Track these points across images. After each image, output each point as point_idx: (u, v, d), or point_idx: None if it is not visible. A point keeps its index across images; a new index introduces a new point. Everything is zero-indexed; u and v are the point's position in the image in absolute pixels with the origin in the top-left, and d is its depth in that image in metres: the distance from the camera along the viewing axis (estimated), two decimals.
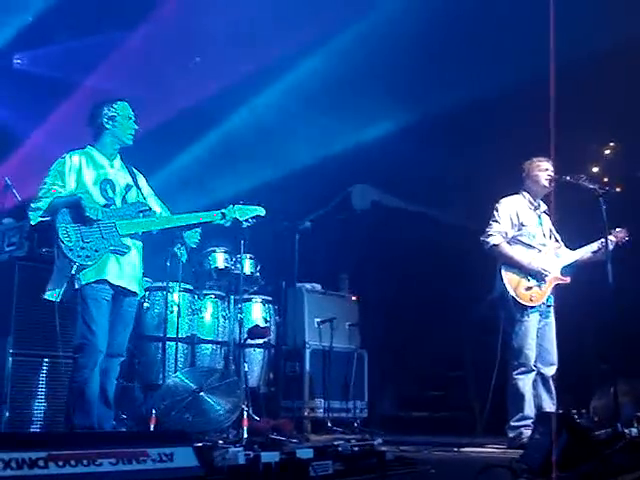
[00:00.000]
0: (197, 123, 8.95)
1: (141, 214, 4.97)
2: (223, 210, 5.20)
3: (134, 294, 5.00)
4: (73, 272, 4.62)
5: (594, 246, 6.10)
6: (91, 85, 8.51)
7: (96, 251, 4.69)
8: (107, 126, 5.05)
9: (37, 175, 5.03)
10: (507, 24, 7.16)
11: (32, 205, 4.75)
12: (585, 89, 7.31)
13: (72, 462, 2.85)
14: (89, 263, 4.66)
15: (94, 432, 4.36)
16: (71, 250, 4.61)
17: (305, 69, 8.45)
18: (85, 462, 2.89)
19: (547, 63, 7.14)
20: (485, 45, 7.42)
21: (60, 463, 2.83)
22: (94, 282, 4.70)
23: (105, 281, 4.75)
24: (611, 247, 5.77)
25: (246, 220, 5.34)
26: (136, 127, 5.15)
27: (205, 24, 8.15)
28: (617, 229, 5.99)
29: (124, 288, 4.87)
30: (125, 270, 4.87)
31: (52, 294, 4.68)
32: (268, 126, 8.89)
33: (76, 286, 4.66)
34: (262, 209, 5.42)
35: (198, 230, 5.26)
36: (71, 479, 2.83)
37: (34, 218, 4.73)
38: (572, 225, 6.53)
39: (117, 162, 5.14)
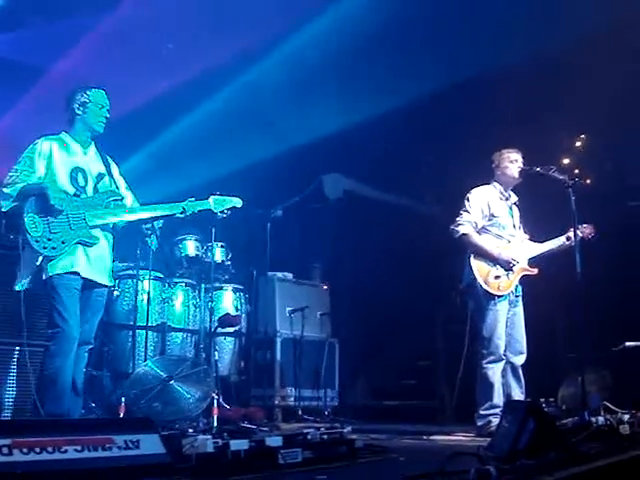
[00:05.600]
0: (170, 109, 8.89)
1: (112, 203, 4.93)
2: (183, 204, 5.12)
3: (103, 285, 4.96)
4: (38, 263, 4.58)
5: (561, 239, 6.15)
6: (62, 70, 8.42)
7: (63, 242, 4.63)
8: (78, 112, 5.02)
9: (5, 161, 4.97)
10: (479, 14, 7.18)
11: (3, 191, 4.68)
12: (556, 81, 7.37)
13: (37, 449, 2.84)
14: (55, 254, 4.61)
15: (59, 419, 4.32)
16: (37, 241, 4.54)
17: (278, 58, 8.42)
18: (50, 449, 2.87)
19: (519, 54, 7.19)
20: (457, 35, 7.44)
21: (24, 450, 2.81)
22: (63, 274, 4.66)
23: (74, 272, 4.70)
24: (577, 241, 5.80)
25: (222, 212, 5.29)
26: (107, 116, 5.09)
27: (179, 9, 8.09)
28: (584, 225, 6.02)
29: (93, 280, 4.83)
30: (93, 262, 4.83)
31: (19, 284, 4.62)
32: (241, 114, 8.84)
33: (44, 277, 4.63)
34: (239, 200, 5.36)
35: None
36: (36, 466, 2.81)
37: (5, 205, 4.66)
38: (541, 215, 6.58)
39: (91, 149, 5.10)
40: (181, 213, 5.10)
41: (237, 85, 8.82)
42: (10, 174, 4.74)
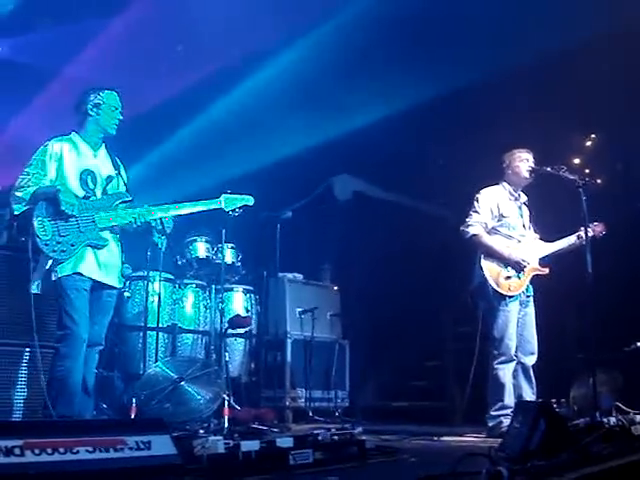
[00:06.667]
0: (180, 112, 8.91)
1: (120, 206, 4.92)
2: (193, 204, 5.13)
3: (113, 286, 4.97)
4: (48, 267, 4.60)
5: (572, 239, 6.13)
6: (73, 73, 8.45)
7: (72, 245, 4.65)
8: (91, 113, 5.00)
9: (17, 164, 4.99)
10: (489, 13, 7.16)
11: (15, 195, 4.70)
12: (567, 80, 7.34)
13: (49, 450, 2.85)
14: (65, 257, 4.62)
15: (71, 420, 4.34)
16: (47, 245, 4.56)
17: (288, 59, 8.43)
18: (62, 450, 2.89)
19: (529, 54, 7.17)
20: (467, 35, 7.42)
21: (36, 451, 2.82)
22: (71, 274, 4.67)
23: (82, 274, 4.72)
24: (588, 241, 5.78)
25: (233, 210, 5.27)
26: (120, 118, 5.08)
27: (188, 12, 8.11)
28: (595, 223, 6.01)
29: (102, 282, 4.85)
30: (103, 264, 4.84)
31: (32, 286, 4.64)
32: (251, 116, 8.85)
33: (53, 278, 4.64)
34: (250, 198, 5.31)
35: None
36: (48, 467, 2.82)
37: (17, 209, 4.68)
38: (551, 215, 6.56)
39: (101, 151, 5.10)
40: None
41: (246, 87, 8.84)
42: (22, 177, 4.75)
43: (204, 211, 5.15)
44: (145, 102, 8.21)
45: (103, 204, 4.88)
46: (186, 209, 5.08)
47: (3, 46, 8.88)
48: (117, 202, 4.93)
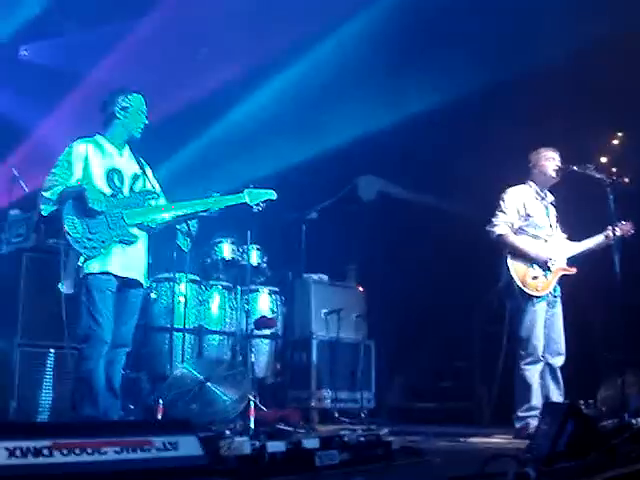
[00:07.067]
0: (205, 113, 8.95)
1: (147, 203, 4.96)
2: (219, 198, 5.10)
3: (139, 285, 4.99)
4: (80, 263, 4.63)
5: (599, 238, 6.07)
6: (98, 76, 8.52)
7: (103, 242, 4.68)
8: (118, 116, 5.01)
9: (44, 166, 5.03)
10: (517, 9, 7.12)
11: (43, 195, 4.73)
12: (596, 78, 7.27)
13: (77, 451, 2.87)
14: (96, 254, 4.66)
15: (99, 421, 4.37)
16: (78, 242, 4.60)
17: (311, 60, 8.44)
18: (90, 451, 2.91)
19: (557, 52, 7.11)
20: (495, 31, 7.38)
21: (65, 451, 2.84)
22: (98, 273, 4.70)
23: (108, 273, 4.74)
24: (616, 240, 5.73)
25: (257, 205, 5.23)
26: (146, 122, 5.10)
27: (212, 14, 8.14)
28: (623, 222, 5.95)
29: (129, 279, 4.87)
30: (131, 260, 4.86)
31: (63, 286, 4.68)
32: (274, 117, 8.87)
33: (80, 275, 4.67)
34: (273, 192, 5.26)
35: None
36: (76, 467, 2.84)
37: (45, 209, 4.71)
38: (579, 214, 6.51)
39: (126, 151, 5.11)
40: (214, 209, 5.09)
41: (271, 89, 8.86)
42: (49, 178, 4.78)
43: (230, 206, 5.14)
44: (170, 104, 8.25)
45: (131, 201, 4.91)
46: (182, 209, 5.04)
47: (29, 49, 8.99)
48: (145, 199, 4.96)
